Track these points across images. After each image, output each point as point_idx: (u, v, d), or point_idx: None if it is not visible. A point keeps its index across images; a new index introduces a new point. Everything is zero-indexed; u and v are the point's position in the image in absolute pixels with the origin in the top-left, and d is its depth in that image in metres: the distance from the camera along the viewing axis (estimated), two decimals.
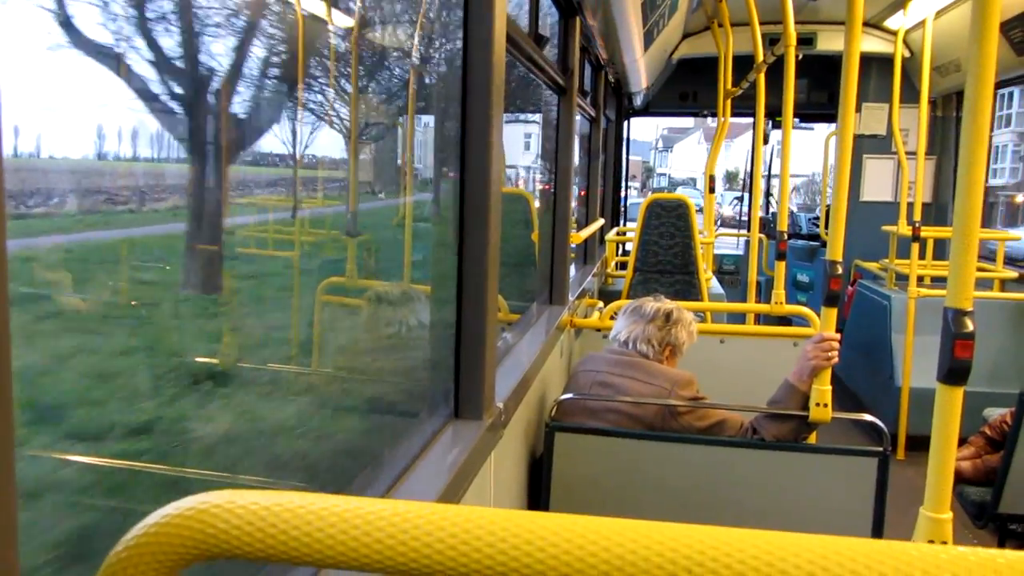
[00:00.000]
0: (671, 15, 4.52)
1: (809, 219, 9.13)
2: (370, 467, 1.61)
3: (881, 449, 2.39)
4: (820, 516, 2.45)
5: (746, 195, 9.49)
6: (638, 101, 7.79)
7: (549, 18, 3.53)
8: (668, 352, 2.71)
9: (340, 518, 0.55)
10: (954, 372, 1.57)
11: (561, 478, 2.56)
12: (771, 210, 8.68)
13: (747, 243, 6.02)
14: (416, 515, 0.54)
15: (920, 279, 5.26)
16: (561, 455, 2.54)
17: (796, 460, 2.48)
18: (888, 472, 2.38)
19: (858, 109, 6.71)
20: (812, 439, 2.83)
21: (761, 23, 4.59)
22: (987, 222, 6.76)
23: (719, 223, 7.01)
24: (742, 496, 2.49)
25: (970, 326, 1.54)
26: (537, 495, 2.63)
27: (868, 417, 2.55)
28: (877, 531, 2.39)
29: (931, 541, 1.63)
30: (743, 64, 5.39)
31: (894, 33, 5.83)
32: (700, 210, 5.92)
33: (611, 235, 7.04)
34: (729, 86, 5.74)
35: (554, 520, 0.53)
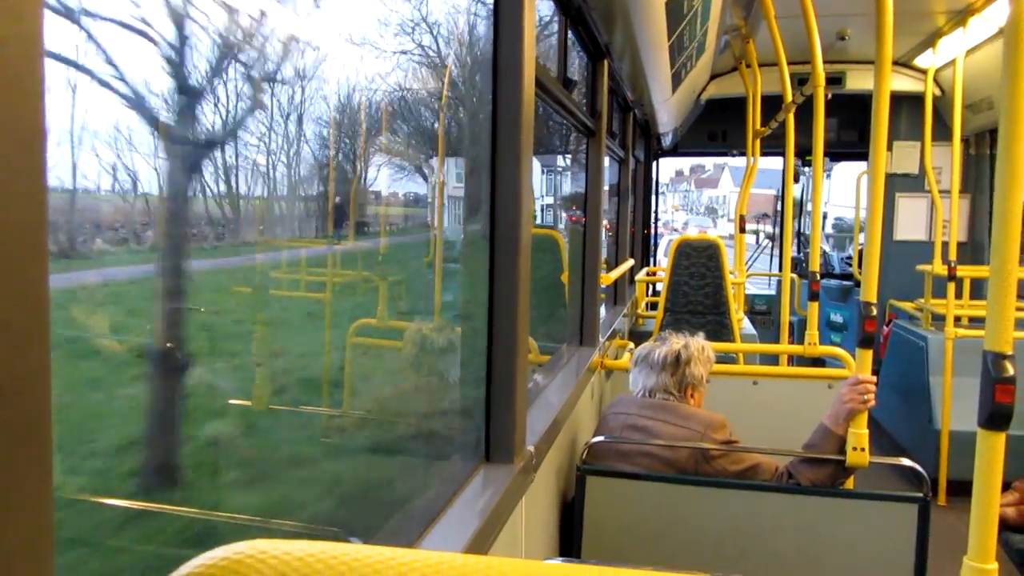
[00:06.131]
0: (699, 57, 4.55)
1: (842, 258, 9.04)
2: (401, 512, 1.60)
3: (921, 495, 2.32)
4: (859, 565, 2.38)
5: (777, 234, 9.44)
6: (667, 141, 7.81)
7: (577, 60, 3.56)
8: (690, 391, 2.68)
9: (372, 569, 0.54)
10: (995, 417, 1.53)
11: (593, 522, 2.52)
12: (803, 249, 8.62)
13: (779, 282, 5.96)
14: (449, 567, 0.53)
15: (957, 319, 5.17)
16: (593, 499, 2.51)
17: (833, 506, 2.42)
18: (929, 519, 2.32)
19: (889, 148, 6.67)
20: (849, 484, 2.77)
21: (789, 63, 4.59)
22: None
23: None
24: (777, 542, 2.44)
25: (1011, 370, 1.51)
26: (569, 539, 2.60)
27: (907, 462, 2.49)
28: None
29: None
30: (772, 103, 5.39)
31: (924, 72, 5.81)
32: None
33: (641, 275, 7.01)
34: (758, 126, 5.74)
35: (589, 572, 0.52)
